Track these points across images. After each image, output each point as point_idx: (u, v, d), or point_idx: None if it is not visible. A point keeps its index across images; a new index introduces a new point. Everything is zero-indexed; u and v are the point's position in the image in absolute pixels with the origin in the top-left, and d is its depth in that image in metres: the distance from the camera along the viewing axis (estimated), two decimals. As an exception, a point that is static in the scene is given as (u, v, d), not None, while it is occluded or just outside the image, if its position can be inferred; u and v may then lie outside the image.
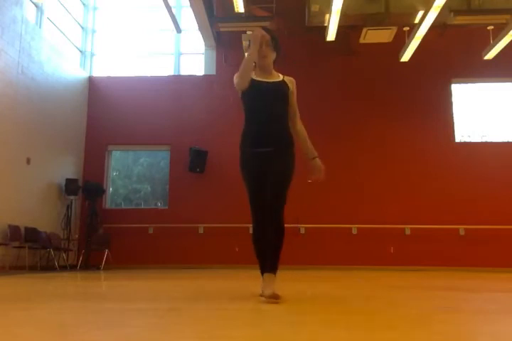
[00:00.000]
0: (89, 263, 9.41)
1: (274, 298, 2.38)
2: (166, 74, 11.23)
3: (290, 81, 2.91)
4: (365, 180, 10.17)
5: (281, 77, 2.90)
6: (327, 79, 10.73)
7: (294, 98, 2.88)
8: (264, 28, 2.88)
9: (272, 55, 2.86)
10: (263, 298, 2.45)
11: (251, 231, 2.72)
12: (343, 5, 8.01)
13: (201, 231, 9.73)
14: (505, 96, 10.83)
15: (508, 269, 8.93)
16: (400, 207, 9.93)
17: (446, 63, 10.59)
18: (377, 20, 9.27)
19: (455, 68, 10.60)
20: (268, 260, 2.62)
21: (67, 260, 9.35)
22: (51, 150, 9.51)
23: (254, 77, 2.83)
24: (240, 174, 2.79)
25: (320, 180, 2.79)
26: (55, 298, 2.92)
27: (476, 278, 6.31)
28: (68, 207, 9.71)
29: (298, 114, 2.90)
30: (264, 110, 2.77)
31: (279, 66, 2.98)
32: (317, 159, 2.88)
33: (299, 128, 2.89)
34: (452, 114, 10.57)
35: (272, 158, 2.73)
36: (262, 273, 2.64)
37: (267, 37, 2.80)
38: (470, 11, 9.14)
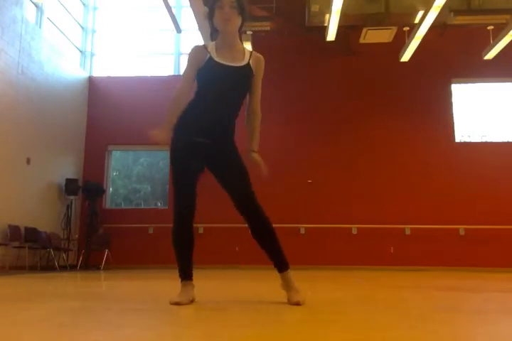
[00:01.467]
0: (89, 263, 9.42)
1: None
2: (166, 74, 11.23)
3: (257, 61, 2.50)
4: (365, 180, 10.18)
5: (246, 57, 2.48)
6: (327, 79, 10.73)
7: (258, 82, 2.52)
8: None
9: (237, 20, 2.42)
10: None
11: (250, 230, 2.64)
12: (343, 5, 8.01)
13: (201, 231, 9.73)
14: (505, 96, 10.83)
15: (508, 269, 8.93)
16: (400, 207, 9.93)
17: (446, 63, 10.59)
18: (377, 20, 9.26)
19: (455, 68, 10.60)
20: (274, 258, 2.47)
21: (67, 260, 9.35)
22: (51, 150, 9.52)
23: (215, 57, 2.43)
24: (171, 165, 2.52)
25: (265, 173, 2.43)
26: (55, 298, 2.92)
27: (476, 278, 6.31)
28: (68, 207, 9.71)
29: (259, 100, 2.56)
30: (217, 98, 2.43)
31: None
32: (257, 154, 2.51)
33: (258, 114, 2.55)
34: (452, 114, 10.58)
35: (215, 153, 2.46)
36: (184, 277, 2.45)
37: None
38: (470, 11, 9.13)
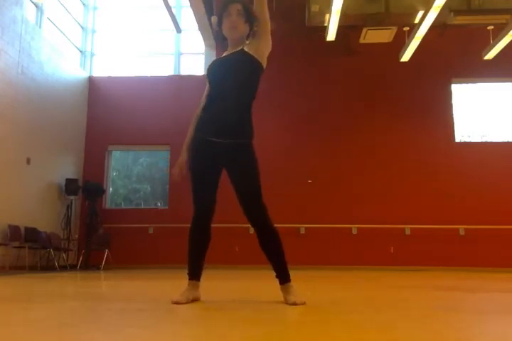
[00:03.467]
0: (89, 263, 9.41)
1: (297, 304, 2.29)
2: (166, 74, 11.23)
3: (251, 43, 2.48)
4: (365, 180, 10.17)
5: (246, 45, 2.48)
6: (327, 79, 10.73)
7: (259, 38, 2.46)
8: None
9: (243, 28, 2.46)
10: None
11: (251, 231, 2.66)
12: (343, 5, 8.01)
13: (201, 231, 9.71)
14: (505, 96, 10.83)
15: (508, 269, 8.93)
16: (400, 207, 9.93)
17: (446, 63, 10.59)
18: (377, 20, 9.26)
19: (455, 68, 10.60)
20: (275, 269, 2.44)
21: (67, 260, 9.35)
22: (51, 150, 9.52)
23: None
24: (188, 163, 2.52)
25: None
26: (55, 298, 2.92)
27: (476, 278, 6.31)
28: (68, 207, 9.71)
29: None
30: (217, 90, 2.45)
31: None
32: None
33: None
34: (452, 114, 10.57)
35: (226, 155, 2.41)
36: (190, 277, 2.45)
37: (238, 6, 2.44)
38: (470, 11, 9.13)
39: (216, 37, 2.49)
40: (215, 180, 2.50)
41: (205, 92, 2.56)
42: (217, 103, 2.44)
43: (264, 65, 2.50)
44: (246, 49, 2.46)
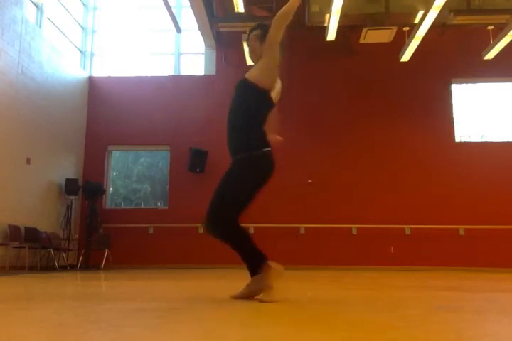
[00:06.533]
0: (89, 263, 9.41)
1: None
2: (166, 74, 11.23)
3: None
4: (366, 180, 10.17)
5: None
6: (327, 79, 10.73)
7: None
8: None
9: (259, 50, 2.87)
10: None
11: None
12: (343, 5, 8.01)
13: (201, 231, 9.71)
14: (505, 96, 10.82)
15: (508, 269, 8.93)
16: (400, 207, 9.93)
17: (446, 63, 10.59)
18: (377, 20, 9.26)
19: (455, 68, 10.60)
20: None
21: (67, 260, 9.35)
22: (51, 150, 9.52)
23: None
24: None
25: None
26: (55, 298, 2.92)
27: (476, 278, 6.31)
28: (68, 207, 9.71)
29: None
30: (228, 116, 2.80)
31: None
32: None
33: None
34: (452, 114, 10.57)
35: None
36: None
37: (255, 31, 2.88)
38: (470, 11, 9.14)
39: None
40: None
41: None
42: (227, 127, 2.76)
43: (264, 83, 2.68)
44: (247, 74, 2.68)
